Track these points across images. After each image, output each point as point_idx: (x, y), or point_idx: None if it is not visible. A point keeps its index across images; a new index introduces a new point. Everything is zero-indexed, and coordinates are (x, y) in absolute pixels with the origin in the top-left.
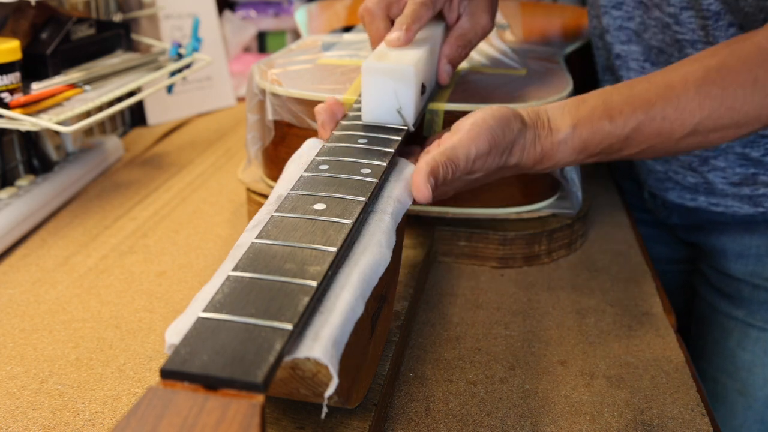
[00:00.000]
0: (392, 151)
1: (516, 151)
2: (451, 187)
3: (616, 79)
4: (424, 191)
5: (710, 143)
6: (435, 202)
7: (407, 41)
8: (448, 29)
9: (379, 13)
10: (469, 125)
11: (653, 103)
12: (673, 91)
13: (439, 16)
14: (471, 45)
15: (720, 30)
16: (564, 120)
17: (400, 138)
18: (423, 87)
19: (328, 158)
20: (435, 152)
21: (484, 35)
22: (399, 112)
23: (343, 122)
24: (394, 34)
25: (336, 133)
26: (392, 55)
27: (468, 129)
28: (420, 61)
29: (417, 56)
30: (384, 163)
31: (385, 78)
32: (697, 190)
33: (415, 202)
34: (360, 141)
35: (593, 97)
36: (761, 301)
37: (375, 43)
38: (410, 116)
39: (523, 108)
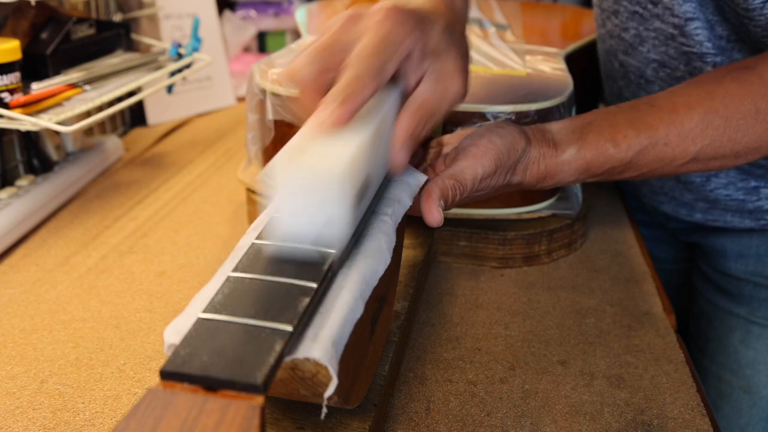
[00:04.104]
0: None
1: (519, 170)
2: (458, 205)
3: (618, 88)
4: (436, 216)
5: (709, 169)
6: None
7: (340, 123)
8: (405, 96)
9: (309, 80)
10: (475, 145)
11: (656, 128)
12: (677, 117)
13: (394, 80)
14: (436, 118)
15: (718, 39)
16: (569, 141)
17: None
18: (366, 185)
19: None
20: (443, 175)
21: (454, 104)
22: (325, 229)
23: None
24: (323, 114)
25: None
26: (317, 150)
27: (474, 150)
28: (358, 156)
29: (353, 149)
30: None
31: (303, 187)
32: (693, 208)
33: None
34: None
35: (599, 118)
36: (762, 298)
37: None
38: (341, 233)
39: (529, 127)
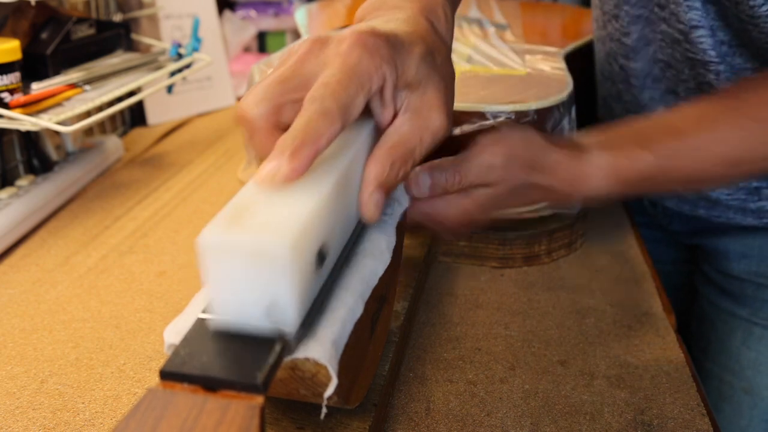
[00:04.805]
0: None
1: (546, 169)
2: (475, 206)
3: (617, 91)
4: (419, 182)
5: (754, 174)
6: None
7: (293, 177)
8: (379, 132)
9: (261, 121)
10: (483, 136)
11: (686, 132)
12: (706, 123)
13: (365, 114)
14: (413, 158)
15: (718, 45)
16: (594, 145)
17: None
18: (324, 250)
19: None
20: (443, 160)
21: (435, 142)
22: (270, 311)
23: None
24: (270, 166)
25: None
26: (261, 211)
27: (483, 140)
28: (313, 219)
29: (307, 209)
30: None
31: (240, 261)
32: (697, 204)
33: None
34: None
35: (621, 128)
36: (765, 299)
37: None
38: (291, 314)
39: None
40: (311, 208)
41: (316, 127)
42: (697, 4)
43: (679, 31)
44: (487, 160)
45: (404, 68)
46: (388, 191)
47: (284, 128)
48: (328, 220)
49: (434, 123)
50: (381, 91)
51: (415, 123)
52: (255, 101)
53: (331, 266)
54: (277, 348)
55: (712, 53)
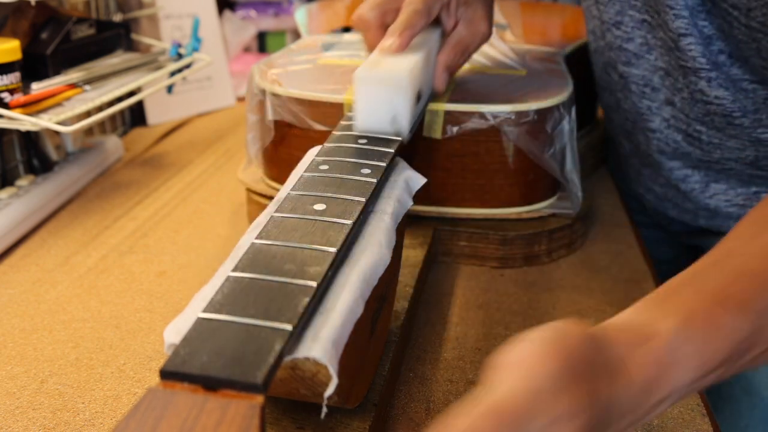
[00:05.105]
0: (392, 151)
1: (612, 372)
2: None
3: (616, 100)
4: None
5: None
6: (435, 202)
7: (401, 48)
8: (445, 36)
9: (373, 21)
10: (506, 355)
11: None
12: None
13: (436, 22)
14: (468, 52)
15: (713, 55)
16: (657, 316)
17: (393, 150)
18: (419, 95)
19: (327, 158)
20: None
21: (482, 42)
22: (393, 121)
23: (341, 124)
24: (388, 41)
25: (335, 133)
26: (386, 63)
27: (504, 358)
28: (415, 68)
29: (411, 63)
30: (384, 164)
31: (378, 86)
32: (697, 215)
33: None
34: (360, 141)
35: (682, 286)
36: None
37: (371, 52)
38: (405, 125)
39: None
40: (413, 64)
41: (412, 19)
42: (684, 13)
43: (670, 39)
44: (522, 385)
45: None
46: (451, 73)
47: (384, 29)
48: (420, 73)
49: (481, 29)
50: (448, 5)
51: (469, 28)
52: (370, 7)
53: (422, 106)
54: (277, 347)
55: (702, 60)
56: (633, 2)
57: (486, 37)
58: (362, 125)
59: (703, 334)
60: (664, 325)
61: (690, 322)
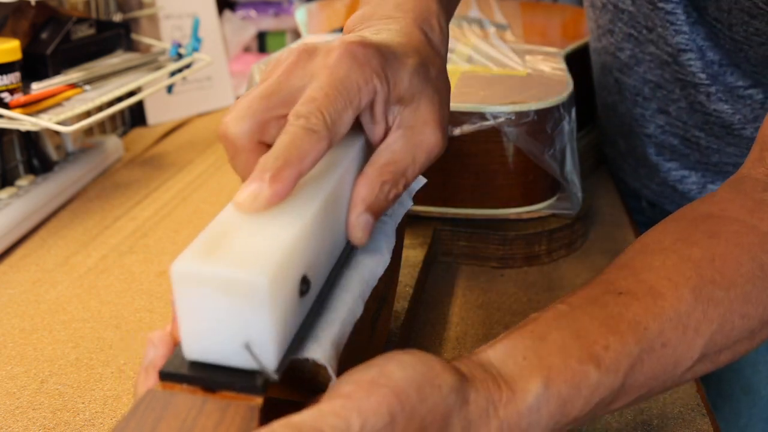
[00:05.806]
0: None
1: (456, 429)
2: None
3: (613, 102)
4: None
5: (719, 366)
6: (435, 202)
7: (272, 201)
8: (369, 149)
9: (243, 140)
10: (356, 383)
11: (645, 324)
12: (664, 302)
13: (357, 128)
14: (406, 178)
15: (709, 66)
16: (525, 373)
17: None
18: (304, 283)
19: None
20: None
21: (429, 160)
22: (248, 350)
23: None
24: (249, 188)
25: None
26: (238, 241)
27: (352, 389)
28: (296, 247)
29: (289, 238)
30: None
31: (213, 294)
32: None
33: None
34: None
35: (554, 327)
36: None
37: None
38: (271, 354)
39: (459, 360)
40: (294, 235)
41: (301, 146)
42: (685, 28)
43: (667, 54)
44: (357, 422)
45: (396, 81)
46: (377, 214)
47: (269, 147)
48: (312, 246)
49: (428, 140)
50: (371, 105)
51: (408, 140)
52: (237, 118)
53: (317, 291)
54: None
55: (702, 75)
56: (620, 15)
57: (437, 152)
58: (192, 350)
59: (564, 392)
60: (531, 381)
61: (552, 380)
